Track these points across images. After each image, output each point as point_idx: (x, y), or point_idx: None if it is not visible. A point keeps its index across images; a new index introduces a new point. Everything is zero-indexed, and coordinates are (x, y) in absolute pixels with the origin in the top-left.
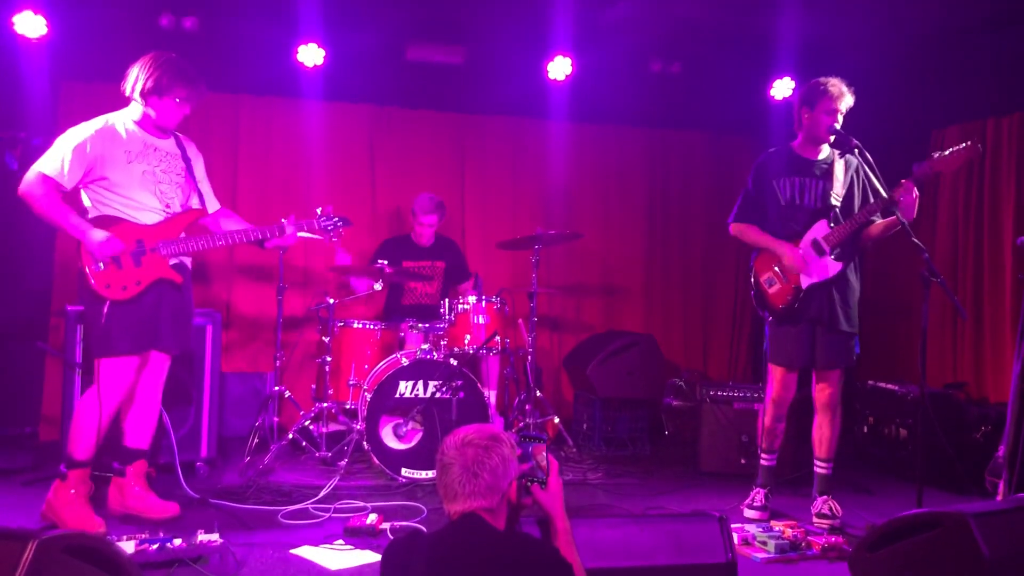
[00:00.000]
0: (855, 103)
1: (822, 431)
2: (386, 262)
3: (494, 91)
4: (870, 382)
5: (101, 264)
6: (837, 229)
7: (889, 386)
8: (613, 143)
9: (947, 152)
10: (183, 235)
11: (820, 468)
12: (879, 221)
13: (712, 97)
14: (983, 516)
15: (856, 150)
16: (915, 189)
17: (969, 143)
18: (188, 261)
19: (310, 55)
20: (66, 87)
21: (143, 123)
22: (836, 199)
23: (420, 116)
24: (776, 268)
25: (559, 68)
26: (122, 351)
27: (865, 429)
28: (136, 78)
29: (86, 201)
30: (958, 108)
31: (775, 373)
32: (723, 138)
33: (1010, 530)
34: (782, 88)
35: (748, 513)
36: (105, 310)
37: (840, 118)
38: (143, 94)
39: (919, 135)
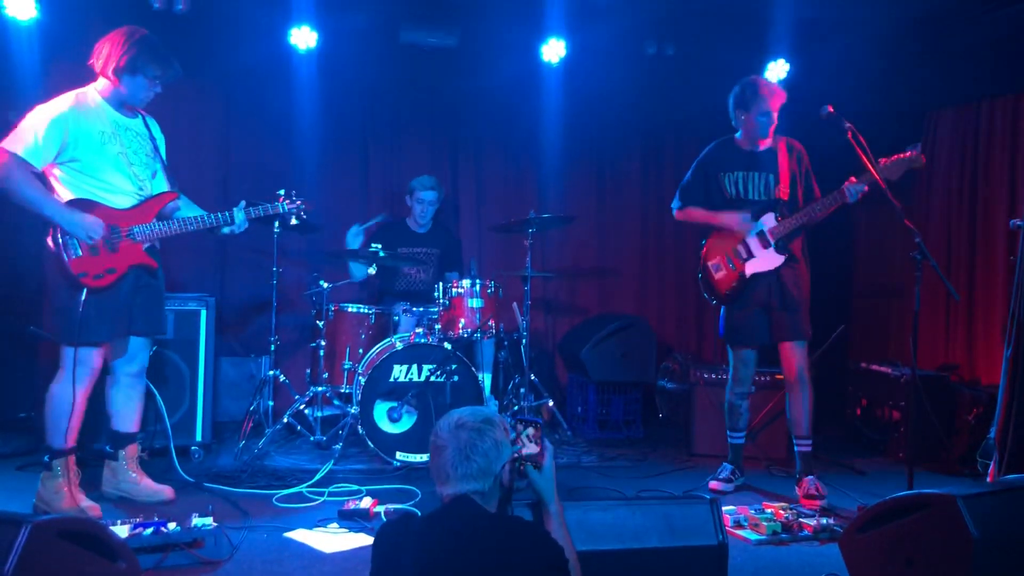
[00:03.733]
0: (850, 84)
1: (795, 409)
2: (381, 246)
3: (488, 74)
4: (863, 364)
5: (80, 251)
6: (784, 222)
7: (882, 368)
8: (607, 125)
9: (891, 160)
10: (155, 220)
11: (801, 447)
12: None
13: (706, 79)
14: (972, 498)
15: (850, 133)
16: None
17: (912, 152)
18: (158, 243)
19: (303, 38)
20: (56, 69)
21: (112, 101)
22: (782, 192)
23: (414, 99)
24: (725, 255)
25: (553, 50)
26: (100, 338)
27: (858, 411)
28: (109, 55)
29: (56, 183)
30: (952, 90)
31: (732, 353)
32: (717, 120)
33: (999, 512)
34: (776, 70)
35: (712, 484)
36: (83, 298)
37: (775, 116)
38: (116, 72)
39: (914, 117)
